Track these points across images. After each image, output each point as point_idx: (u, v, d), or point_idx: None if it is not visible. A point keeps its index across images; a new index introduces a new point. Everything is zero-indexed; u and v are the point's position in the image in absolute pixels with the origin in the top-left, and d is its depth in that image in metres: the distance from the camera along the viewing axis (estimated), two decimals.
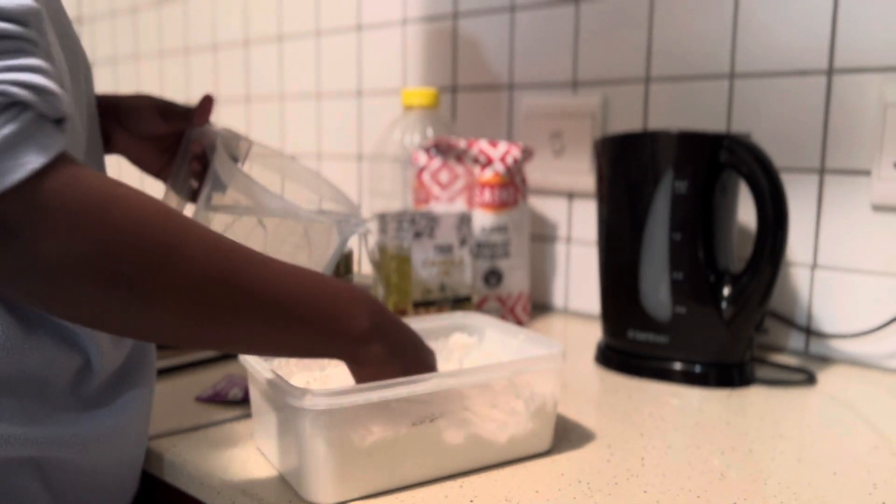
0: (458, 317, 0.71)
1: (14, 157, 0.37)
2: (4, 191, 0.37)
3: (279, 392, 0.51)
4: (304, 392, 0.49)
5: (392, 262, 0.89)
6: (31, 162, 0.38)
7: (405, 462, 0.53)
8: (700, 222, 0.77)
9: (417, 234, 0.86)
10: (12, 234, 0.38)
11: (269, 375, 0.53)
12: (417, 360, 0.55)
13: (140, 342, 0.59)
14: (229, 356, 0.84)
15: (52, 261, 0.39)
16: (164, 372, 0.79)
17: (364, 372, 0.52)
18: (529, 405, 0.57)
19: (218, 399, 0.71)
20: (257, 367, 0.55)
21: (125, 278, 0.41)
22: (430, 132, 1.03)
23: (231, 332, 0.46)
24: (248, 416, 0.67)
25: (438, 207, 0.97)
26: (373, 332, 0.52)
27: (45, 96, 0.39)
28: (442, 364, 0.63)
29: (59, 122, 0.41)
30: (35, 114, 0.39)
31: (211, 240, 0.45)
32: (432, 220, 0.87)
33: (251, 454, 0.59)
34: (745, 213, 0.86)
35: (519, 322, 0.99)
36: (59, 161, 0.39)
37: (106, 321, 0.43)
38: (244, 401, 0.70)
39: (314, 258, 0.70)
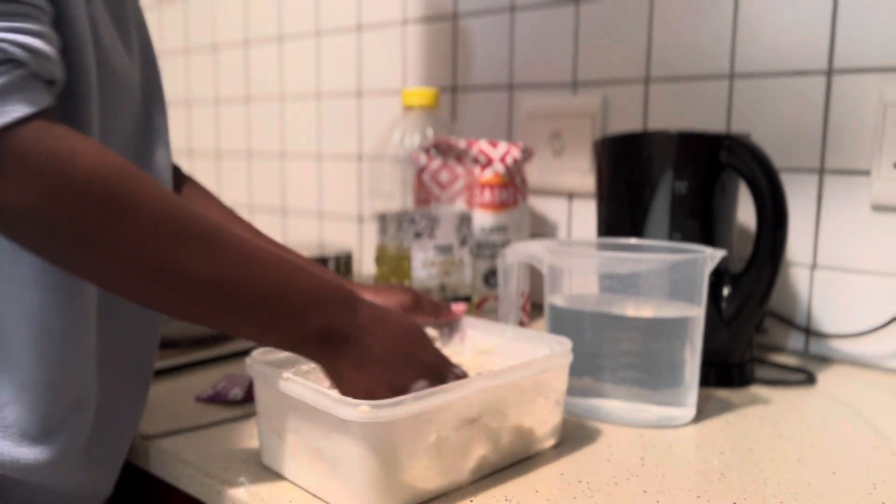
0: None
1: (1, 105, 0.40)
2: None
3: (321, 402, 0.49)
4: (355, 403, 0.47)
5: (392, 262, 0.89)
6: (15, 111, 0.41)
7: (453, 466, 0.52)
8: (700, 222, 0.77)
9: (417, 234, 0.86)
10: None
11: (307, 388, 0.50)
12: (402, 355, 0.53)
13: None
14: (229, 357, 0.85)
15: (8, 202, 0.41)
16: (164, 372, 0.79)
17: (339, 375, 0.52)
18: (550, 399, 0.59)
19: (218, 399, 0.71)
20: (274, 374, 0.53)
21: (70, 231, 0.42)
22: (429, 132, 1.03)
23: (169, 306, 0.47)
24: (248, 415, 0.67)
25: (438, 207, 0.97)
26: (331, 336, 0.51)
27: (40, 58, 0.42)
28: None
29: (50, 83, 0.44)
30: (28, 72, 0.42)
31: (162, 213, 0.45)
32: (432, 220, 0.87)
33: (251, 454, 0.59)
34: (745, 213, 0.86)
35: (520, 322, 0.99)
36: (42, 115, 0.42)
37: (54, 262, 0.45)
38: (244, 401, 0.70)
39: None
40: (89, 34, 0.50)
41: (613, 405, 0.67)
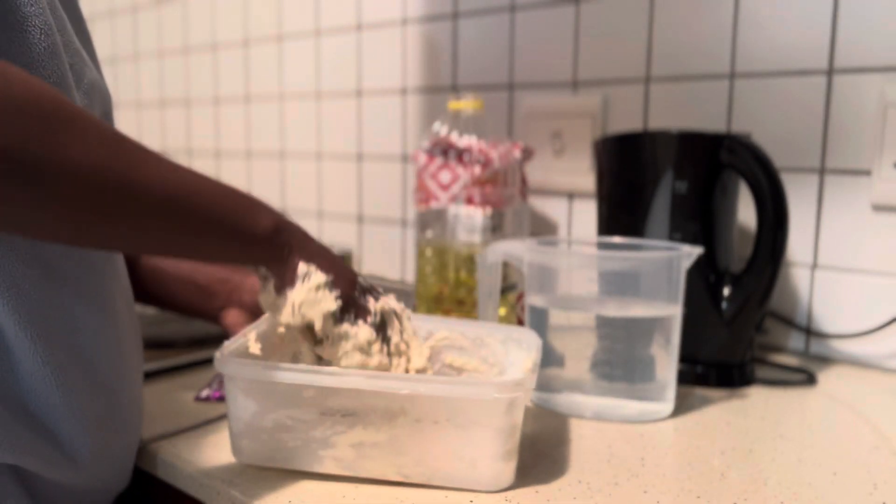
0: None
1: None
2: None
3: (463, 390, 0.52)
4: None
5: (433, 261, 0.90)
6: None
7: None
8: (700, 222, 0.77)
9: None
10: None
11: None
12: (336, 259, 0.56)
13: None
14: None
15: None
16: (163, 372, 0.79)
17: (289, 266, 0.53)
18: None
19: (218, 398, 0.71)
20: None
21: (17, 150, 0.39)
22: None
23: (127, 229, 0.45)
24: None
25: (439, 207, 0.97)
26: (282, 230, 0.53)
27: None
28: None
29: None
30: None
31: (102, 128, 0.43)
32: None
33: None
34: (745, 213, 0.86)
35: (520, 322, 0.99)
36: None
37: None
38: None
39: None
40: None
41: (593, 401, 0.68)
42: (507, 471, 0.53)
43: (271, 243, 0.52)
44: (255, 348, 0.58)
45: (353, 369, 0.54)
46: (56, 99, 0.41)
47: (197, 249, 0.50)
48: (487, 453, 0.52)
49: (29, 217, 0.41)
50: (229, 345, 0.55)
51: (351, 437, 0.53)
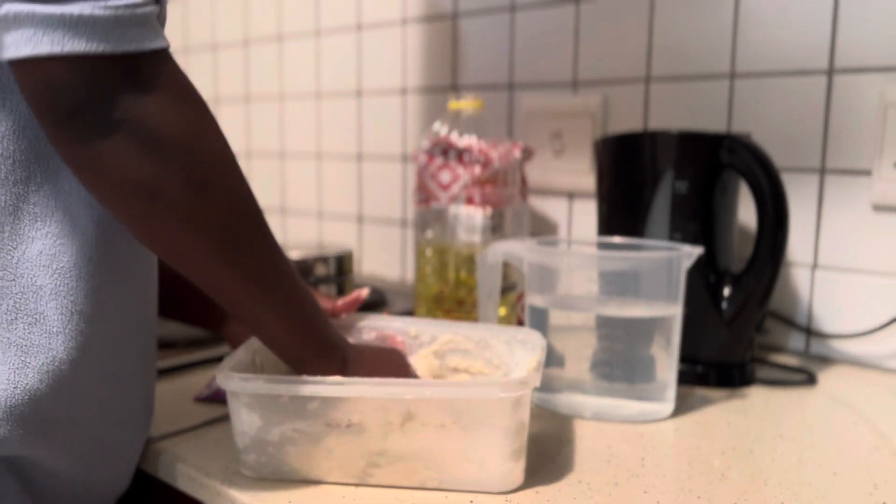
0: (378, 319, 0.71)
1: (154, 31, 0.44)
2: (147, 51, 0.43)
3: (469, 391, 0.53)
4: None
5: (433, 261, 0.90)
6: (164, 40, 0.44)
7: None
8: (700, 222, 0.77)
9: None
10: (128, 90, 0.42)
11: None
12: (392, 363, 0.61)
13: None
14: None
15: (150, 126, 0.43)
16: (162, 373, 0.79)
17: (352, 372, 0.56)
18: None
19: (218, 398, 0.71)
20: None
21: (192, 167, 0.44)
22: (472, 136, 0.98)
23: (234, 286, 0.49)
24: None
25: (439, 207, 0.97)
26: (346, 345, 0.58)
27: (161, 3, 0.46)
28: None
29: None
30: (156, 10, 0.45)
31: (249, 192, 0.49)
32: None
33: None
34: (745, 213, 0.86)
35: (520, 322, 0.99)
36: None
37: (151, 191, 0.44)
38: None
39: None
40: None
41: (593, 401, 0.68)
42: (517, 470, 0.53)
43: (327, 355, 0.55)
44: (255, 361, 0.59)
45: (356, 378, 0.55)
46: (226, 146, 0.47)
47: (269, 320, 0.52)
48: (496, 453, 0.52)
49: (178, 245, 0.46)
50: (228, 361, 0.55)
51: (358, 446, 0.53)
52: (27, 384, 0.48)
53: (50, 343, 0.48)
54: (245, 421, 0.54)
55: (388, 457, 0.53)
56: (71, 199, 0.49)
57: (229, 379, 0.52)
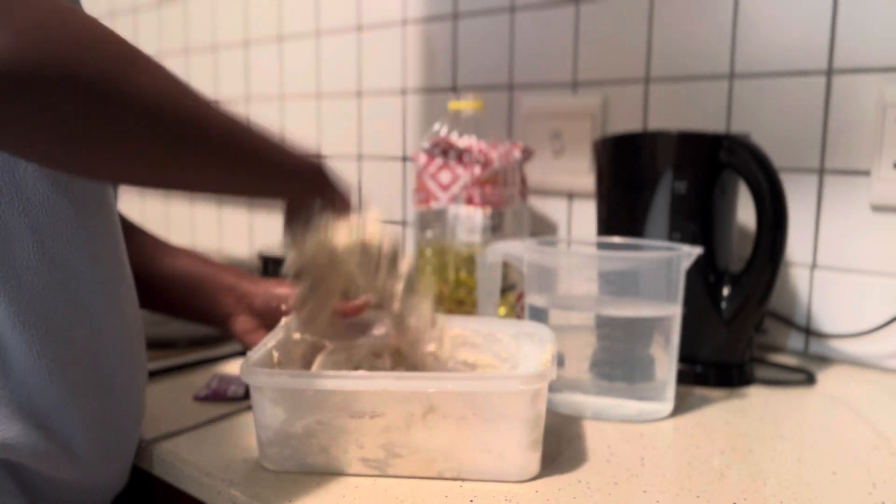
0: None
1: None
2: None
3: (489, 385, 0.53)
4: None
5: (433, 261, 0.90)
6: None
7: None
8: (700, 222, 0.77)
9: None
10: None
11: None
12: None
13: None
14: (227, 357, 0.84)
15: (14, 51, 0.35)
16: (163, 372, 0.79)
17: (339, 192, 0.58)
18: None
19: (217, 397, 0.71)
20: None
21: (90, 72, 0.38)
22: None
23: (193, 164, 0.46)
24: (248, 412, 0.67)
25: (439, 207, 0.97)
26: (323, 165, 0.58)
27: None
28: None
29: None
30: None
31: (162, 66, 0.43)
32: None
33: (251, 453, 0.59)
34: (745, 213, 0.86)
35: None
36: None
37: (62, 121, 0.38)
38: (246, 397, 0.70)
39: None
40: None
41: (593, 401, 0.68)
42: (534, 460, 0.55)
43: (319, 171, 0.56)
44: (275, 357, 0.59)
45: (379, 373, 0.55)
46: (122, 38, 0.41)
47: (253, 182, 0.51)
48: (514, 444, 0.53)
49: (108, 154, 0.41)
50: (252, 355, 0.56)
51: (381, 437, 0.54)
52: (12, 388, 0.49)
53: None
54: (269, 415, 0.54)
55: (409, 447, 0.54)
56: (2, 206, 0.48)
57: (254, 374, 0.53)
